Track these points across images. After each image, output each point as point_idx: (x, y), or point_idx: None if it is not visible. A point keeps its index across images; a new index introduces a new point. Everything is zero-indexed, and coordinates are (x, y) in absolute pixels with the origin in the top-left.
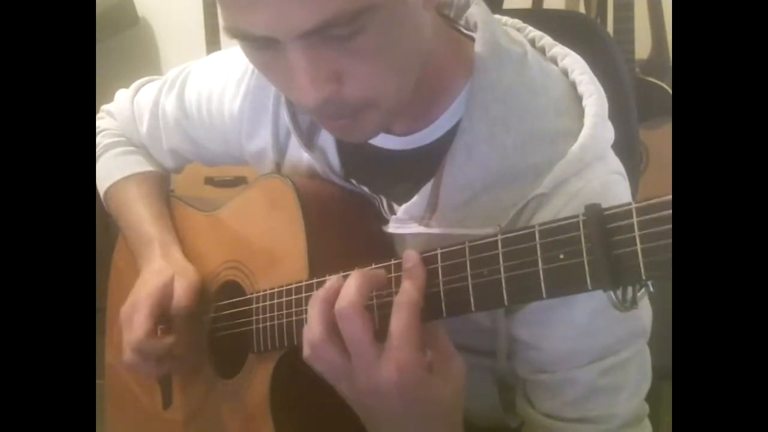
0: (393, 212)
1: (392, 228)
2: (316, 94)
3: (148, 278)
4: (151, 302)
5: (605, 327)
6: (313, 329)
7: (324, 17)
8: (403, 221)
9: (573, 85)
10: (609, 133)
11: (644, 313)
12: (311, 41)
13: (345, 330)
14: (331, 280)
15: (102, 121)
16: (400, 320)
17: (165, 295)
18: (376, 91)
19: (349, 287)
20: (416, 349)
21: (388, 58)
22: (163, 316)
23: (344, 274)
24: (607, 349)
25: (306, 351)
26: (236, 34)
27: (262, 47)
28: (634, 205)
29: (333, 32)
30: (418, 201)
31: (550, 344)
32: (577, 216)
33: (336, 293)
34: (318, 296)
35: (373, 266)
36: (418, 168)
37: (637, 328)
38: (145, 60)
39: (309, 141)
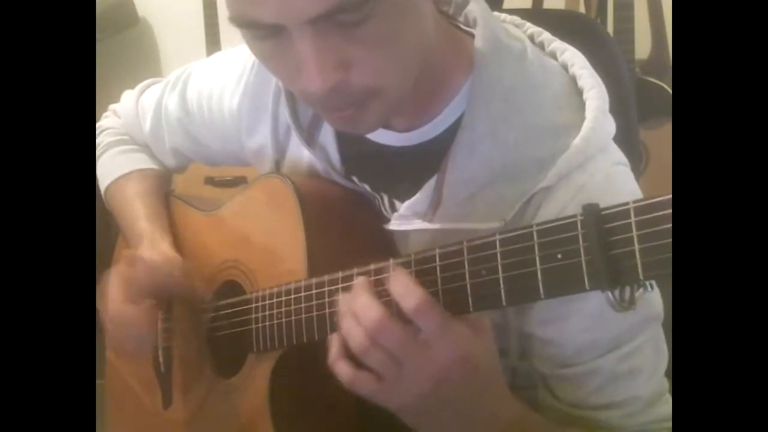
0: (394, 209)
1: (394, 225)
2: (323, 83)
3: None
4: (116, 277)
5: (619, 315)
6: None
7: (333, 2)
8: (406, 218)
9: (573, 79)
10: (610, 125)
11: (655, 299)
12: (319, 27)
13: (386, 342)
14: (345, 309)
15: (106, 120)
16: (428, 321)
17: (131, 268)
18: (381, 80)
19: (364, 306)
20: (452, 323)
21: (394, 47)
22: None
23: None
24: (623, 336)
25: (346, 375)
26: (242, 22)
27: (268, 36)
28: (632, 205)
29: (341, 18)
30: (421, 197)
31: (568, 338)
32: (575, 216)
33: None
34: (349, 316)
35: (372, 266)
36: (420, 164)
37: (650, 313)
38: (145, 60)
39: (310, 138)
